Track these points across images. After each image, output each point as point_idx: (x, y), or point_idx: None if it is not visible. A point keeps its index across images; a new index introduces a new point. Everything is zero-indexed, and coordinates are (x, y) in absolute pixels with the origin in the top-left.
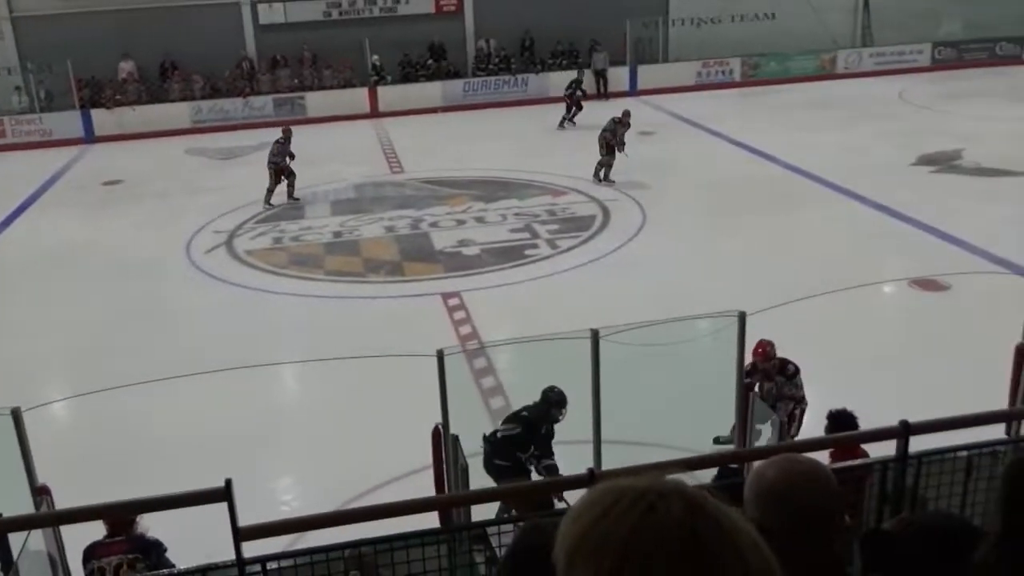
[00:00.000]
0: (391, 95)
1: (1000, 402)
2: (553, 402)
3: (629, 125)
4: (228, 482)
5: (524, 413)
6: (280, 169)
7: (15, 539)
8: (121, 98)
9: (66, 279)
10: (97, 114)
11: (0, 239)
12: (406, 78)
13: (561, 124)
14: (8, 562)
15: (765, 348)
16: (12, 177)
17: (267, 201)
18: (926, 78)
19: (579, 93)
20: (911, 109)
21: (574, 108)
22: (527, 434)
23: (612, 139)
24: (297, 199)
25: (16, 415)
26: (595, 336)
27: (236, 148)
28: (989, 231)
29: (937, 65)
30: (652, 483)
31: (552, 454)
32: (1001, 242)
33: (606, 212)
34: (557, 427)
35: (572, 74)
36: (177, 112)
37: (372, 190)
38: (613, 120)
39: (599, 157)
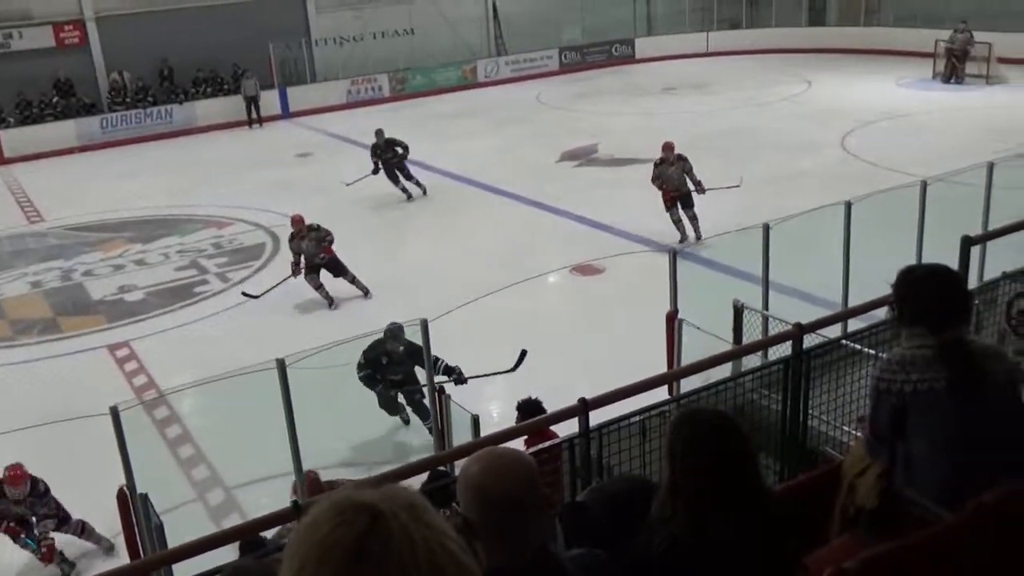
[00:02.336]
0: (15, 138)
1: (661, 366)
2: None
3: (676, 160)
4: None
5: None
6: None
7: None
8: None
9: None
10: None
11: None
12: (29, 119)
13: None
14: None
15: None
16: None
17: (331, 303)
18: (558, 81)
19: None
20: (549, 110)
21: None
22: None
23: (669, 187)
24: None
25: None
26: (282, 365)
27: None
28: (629, 215)
29: (565, 68)
30: (356, 498)
31: None
32: (639, 223)
33: (275, 238)
34: (257, 463)
35: (219, 101)
36: None
37: (9, 244)
38: (654, 164)
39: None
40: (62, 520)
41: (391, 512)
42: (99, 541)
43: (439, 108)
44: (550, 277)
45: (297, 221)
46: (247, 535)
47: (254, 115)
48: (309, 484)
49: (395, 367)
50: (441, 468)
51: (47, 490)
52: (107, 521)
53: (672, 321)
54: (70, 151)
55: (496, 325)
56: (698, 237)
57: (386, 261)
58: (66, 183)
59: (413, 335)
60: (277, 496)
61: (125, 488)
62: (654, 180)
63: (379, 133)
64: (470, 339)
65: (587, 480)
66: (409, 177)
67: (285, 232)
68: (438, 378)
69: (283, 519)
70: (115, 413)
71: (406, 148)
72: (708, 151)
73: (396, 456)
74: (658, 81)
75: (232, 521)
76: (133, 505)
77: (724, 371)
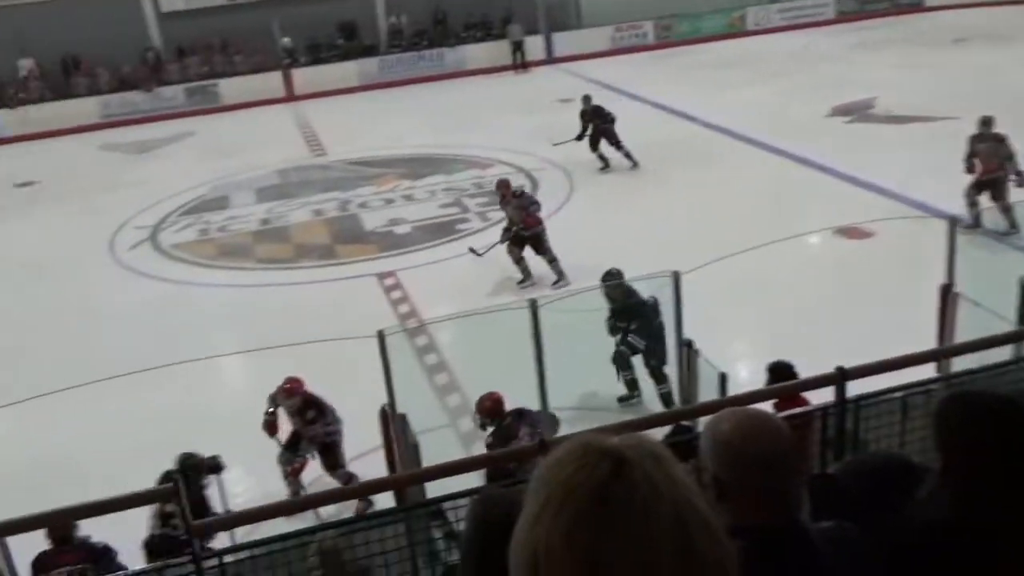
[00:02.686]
0: (306, 77)
1: (930, 342)
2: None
3: (992, 138)
4: (176, 480)
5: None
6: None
7: None
8: (24, 96)
9: None
10: (3, 114)
11: None
12: (318, 59)
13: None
14: None
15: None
16: None
17: (524, 279)
18: (833, 31)
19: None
20: (821, 62)
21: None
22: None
23: (981, 168)
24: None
25: None
26: (533, 306)
27: (150, 141)
28: (906, 176)
29: (841, 17)
30: (600, 443)
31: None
32: (918, 186)
33: (534, 182)
34: (507, 396)
35: (487, 46)
36: (85, 108)
37: (296, 175)
38: (969, 139)
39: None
40: (332, 465)
41: (636, 460)
42: None
43: (704, 57)
44: (811, 238)
45: (503, 185)
46: (495, 464)
47: (518, 59)
48: (493, 404)
49: (620, 316)
50: (684, 423)
51: (315, 419)
52: (368, 436)
53: (946, 294)
54: (351, 90)
55: (749, 285)
56: (1013, 228)
57: (638, 212)
58: (347, 120)
59: (664, 286)
60: None
61: (387, 407)
62: (969, 158)
63: (586, 99)
64: (719, 299)
65: (839, 453)
66: (619, 146)
67: (544, 176)
68: None
69: (528, 454)
70: (382, 337)
71: (613, 119)
72: (1002, 111)
73: (634, 408)
74: (948, 32)
75: (480, 449)
76: (393, 423)
77: (1003, 354)
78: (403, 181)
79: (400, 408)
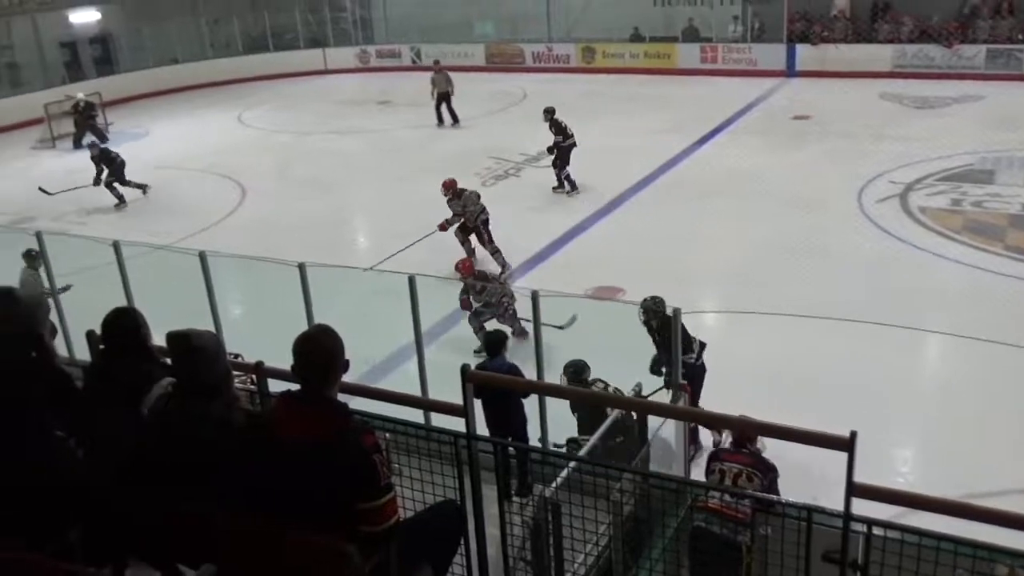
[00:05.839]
0: None
1: None
2: None
3: None
4: (853, 434)
5: None
6: None
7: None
8: (828, 35)
9: (739, 202)
10: (802, 49)
11: (693, 157)
12: None
13: None
14: (644, 440)
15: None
16: (715, 101)
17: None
18: None
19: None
20: None
21: None
22: None
23: None
24: None
25: (676, 313)
26: None
27: (933, 98)
28: None
29: None
30: None
31: None
32: None
33: None
34: None
35: None
36: (880, 54)
37: None
38: None
39: None
40: None
41: None
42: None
43: None
44: None
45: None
46: None
47: None
48: None
49: None
50: None
51: None
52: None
53: None
54: None
55: None
56: None
57: None
58: None
59: None
60: None
61: None
62: None
63: (548, 112)
64: None
65: None
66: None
67: None
68: None
69: None
70: None
71: (572, 142)
72: None
73: None
74: None
75: None
76: None
77: None
78: None
79: None
